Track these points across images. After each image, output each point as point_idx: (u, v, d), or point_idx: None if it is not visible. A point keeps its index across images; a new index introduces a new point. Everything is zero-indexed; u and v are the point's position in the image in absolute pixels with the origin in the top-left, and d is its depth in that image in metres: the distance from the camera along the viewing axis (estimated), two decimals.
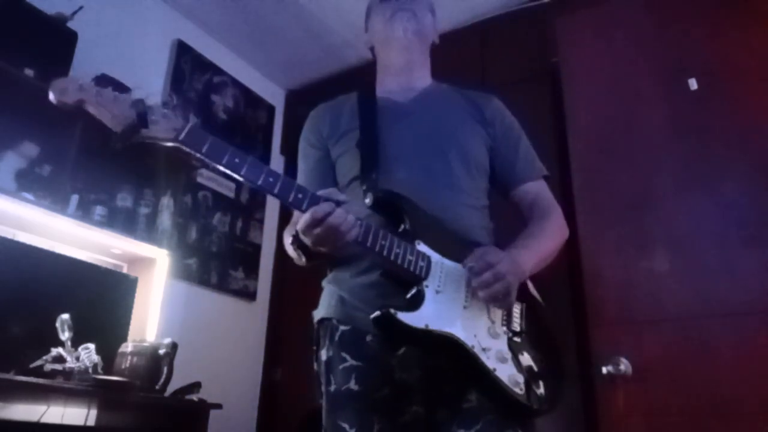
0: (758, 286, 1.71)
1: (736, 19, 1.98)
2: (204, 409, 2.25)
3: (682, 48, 2.03)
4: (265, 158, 3.56)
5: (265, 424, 3.10)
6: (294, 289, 3.32)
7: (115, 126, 0.96)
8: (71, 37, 2.31)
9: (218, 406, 2.27)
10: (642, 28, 2.13)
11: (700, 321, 1.76)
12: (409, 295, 1.11)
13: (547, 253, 1.28)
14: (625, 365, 1.78)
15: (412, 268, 1.10)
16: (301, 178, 1.36)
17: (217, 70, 3.33)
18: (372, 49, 1.51)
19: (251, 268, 3.29)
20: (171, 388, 2.19)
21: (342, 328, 1.20)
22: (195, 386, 2.27)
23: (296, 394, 3.08)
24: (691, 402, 1.71)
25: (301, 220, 1.05)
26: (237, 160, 0.99)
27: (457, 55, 2.71)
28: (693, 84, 1.95)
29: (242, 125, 3.44)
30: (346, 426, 1.11)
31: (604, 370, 1.79)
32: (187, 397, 2.24)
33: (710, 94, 1.93)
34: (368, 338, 1.16)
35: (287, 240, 1.23)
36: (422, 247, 1.13)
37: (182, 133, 0.98)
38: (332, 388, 1.16)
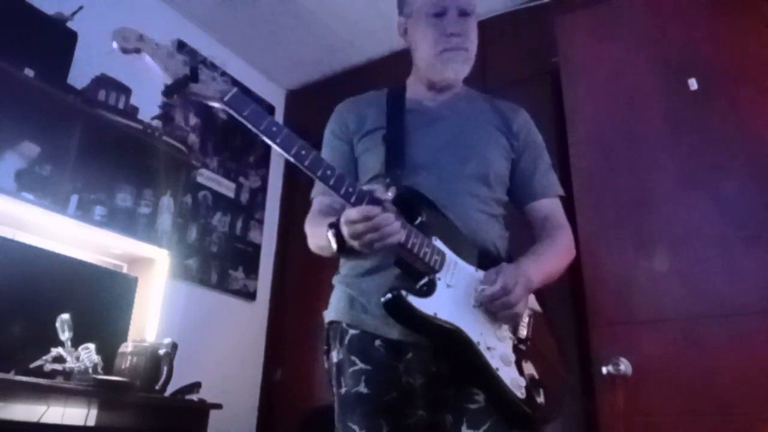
0: (758, 286, 1.71)
1: (736, 19, 1.98)
2: (204, 409, 2.25)
3: (682, 48, 2.03)
4: (266, 158, 3.56)
5: (265, 424, 3.10)
6: (294, 289, 3.32)
7: (167, 77, 1.03)
8: (71, 37, 2.31)
9: (218, 406, 2.27)
10: (642, 28, 2.13)
11: (700, 321, 1.76)
12: (422, 283, 1.12)
13: (554, 271, 1.29)
14: (625, 365, 1.78)
15: (427, 259, 1.11)
16: None
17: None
18: (405, 32, 1.43)
19: (251, 268, 3.29)
20: (171, 388, 2.18)
21: (351, 331, 1.22)
22: (195, 386, 2.27)
23: (296, 394, 3.08)
24: (691, 402, 1.72)
25: (349, 211, 1.05)
26: (274, 129, 1.06)
27: None
28: (693, 84, 1.95)
29: (242, 125, 3.43)
30: (355, 428, 1.13)
31: (604, 370, 1.79)
32: (187, 397, 2.24)
33: (710, 94, 1.93)
34: (377, 342, 1.18)
35: (321, 227, 1.19)
36: (438, 243, 1.15)
37: (227, 95, 1.05)
38: (343, 390, 1.19)
